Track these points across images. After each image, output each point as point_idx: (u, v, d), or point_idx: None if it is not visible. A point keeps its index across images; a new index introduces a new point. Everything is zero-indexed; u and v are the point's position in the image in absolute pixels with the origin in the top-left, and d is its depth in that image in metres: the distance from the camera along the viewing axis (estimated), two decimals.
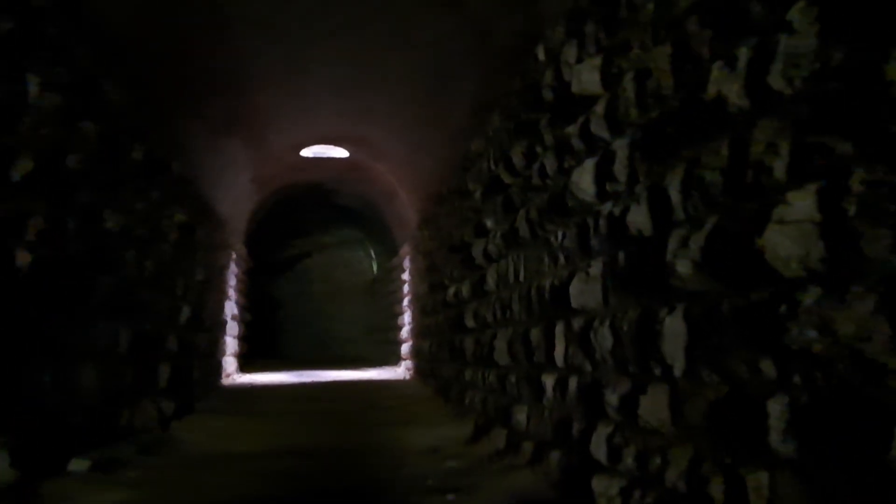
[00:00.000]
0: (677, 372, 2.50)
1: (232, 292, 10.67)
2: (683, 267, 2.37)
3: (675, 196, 2.50)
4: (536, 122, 4.13)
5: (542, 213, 3.99)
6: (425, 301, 9.03)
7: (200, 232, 8.07)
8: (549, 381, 3.83)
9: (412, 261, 10.76)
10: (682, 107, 2.49)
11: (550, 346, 3.80)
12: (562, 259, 3.72)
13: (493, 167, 5.29)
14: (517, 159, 4.49)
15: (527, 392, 4.28)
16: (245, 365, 12.28)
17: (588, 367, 3.33)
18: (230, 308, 10.44)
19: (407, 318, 11.16)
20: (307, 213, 14.93)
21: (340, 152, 10.71)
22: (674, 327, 2.49)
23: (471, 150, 6.05)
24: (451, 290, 6.89)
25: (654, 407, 2.65)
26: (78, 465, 3.62)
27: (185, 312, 7.25)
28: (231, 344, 10.60)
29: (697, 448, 2.42)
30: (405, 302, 11.40)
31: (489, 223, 5.36)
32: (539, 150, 4.11)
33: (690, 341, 2.41)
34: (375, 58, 6.91)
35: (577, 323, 3.43)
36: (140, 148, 5.50)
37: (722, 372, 2.25)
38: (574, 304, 3.41)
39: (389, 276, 14.00)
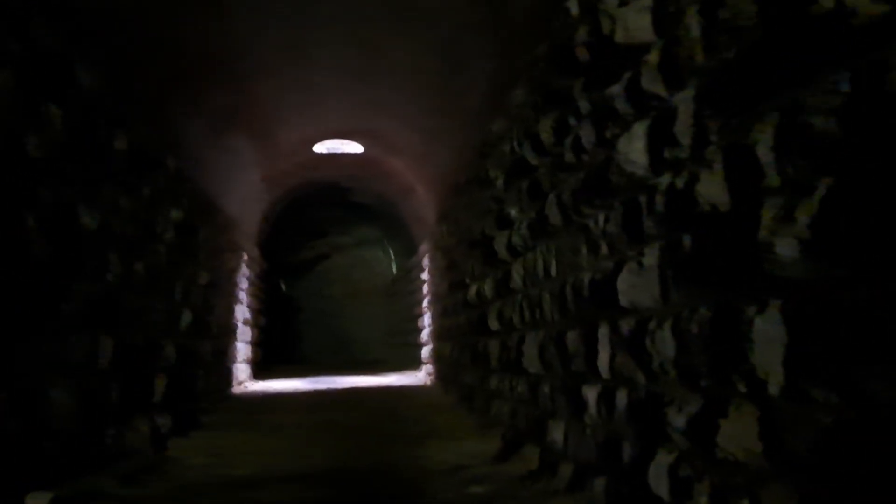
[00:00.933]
0: (773, 389, 1.88)
1: (243, 296, 10.16)
2: (786, 248, 1.74)
3: (765, 156, 1.88)
4: (569, 90, 3.52)
5: (577, 195, 3.38)
6: (445, 301, 8.44)
7: (204, 233, 7.54)
8: (590, 393, 3.22)
9: (431, 259, 10.17)
10: (772, 36, 1.87)
11: (592, 353, 3.18)
12: (604, 248, 3.11)
13: (516, 149, 4.68)
14: (546, 136, 3.88)
15: (563, 405, 3.67)
16: (260, 371, 11.77)
17: (641, 379, 2.71)
18: (241, 312, 9.92)
19: (427, 319, 10.58)
20: (323, 212, 14.42)
21: (354, 147, 10.16)
22: (768, 330, 1.87)
23: (491, 134, 5.45)
24: (473, 289, 6.28)
25: (738, 433, 2.03)
26: (35, 501, 3.07)
27: (187, 318, 6.72)
28: (243, 350, 10.08)
29: (804, 492, 1.80)
30: (425, 303, 10.82)
31: (513, 212, 4.75)
32: (572, 121, 3.49)
33: (793, 348, 1.79)
34: (383, 41, 6.33)
35: (626, 325, 2.82)
36: (124, 138, 4.95)
37: (844, 390, 1.63)
38: (622, 301, 2.80)
39: (408, 275, 13.43)
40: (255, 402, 8.18)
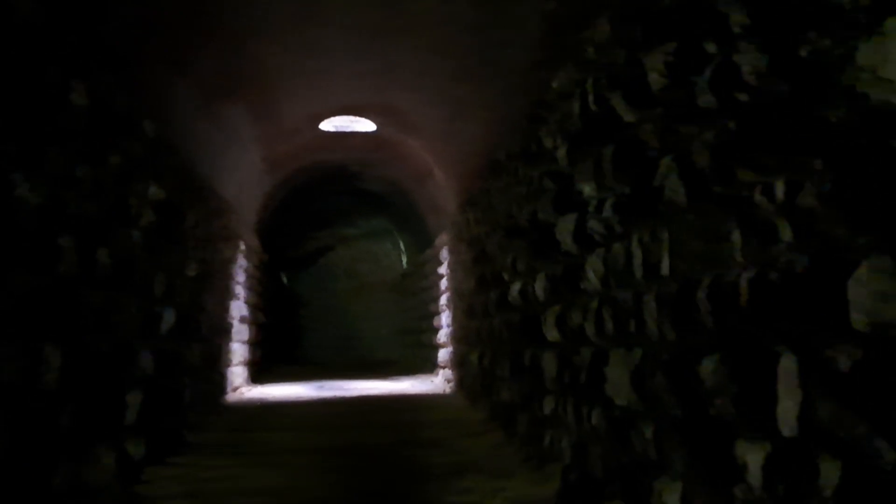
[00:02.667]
0: None
1: (241, 291, 9.06)
2: None
3: None
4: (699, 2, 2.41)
5: (725, 154, 2.26)
6: (472, 300, 7.33)
7: (192, 217, 6.44)
8: (752, 456, 2.11)
9: (451, 251, 9.06)
10: None
11: (757, 394, 2.07)
12: (787, 231, 1.99)
13: (591, 105, 3.56)
14: (656, 76, 2.75)
15: (683, 460, 2.56)
16: (259, 373, 10.68)
17: (885, 450, 1.60)
18: (238, 309, 8.82)
19: (445, 318, 9.48)
20: (328, 200, 13.30)
21: (365, 125, 9.03)
22: None
23: (549, 92, 4.33)
24: (515, 287, 5.17)
25: None
26: None
27: (169, 318, 5.61)
28: (239, 351, 8.98)
29: None
30: (442, 300, 9.71)
31: (586, 189, 3.64)
32: (711, 48, 2.38)
33: None
34: None
35: (848, 356, 1.70)
36: (83, 90, 3.84)
37: None
38: (856, 318, 1.68)
39: (421, 270, 12.32)
40: (251, 413, 7.07)
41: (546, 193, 4.40)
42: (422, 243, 12.20)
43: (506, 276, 5.55)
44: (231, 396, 8.12)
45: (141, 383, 4.88)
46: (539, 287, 4.51)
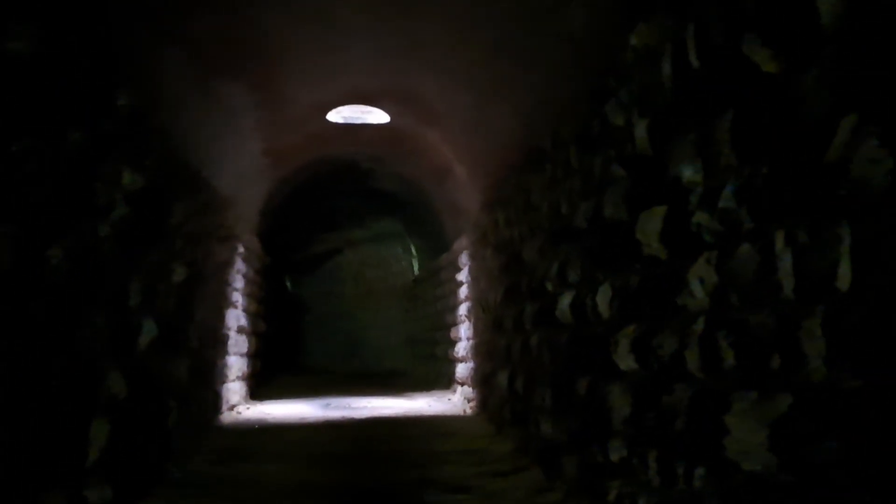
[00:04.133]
0: None
1: (239, 298, 8.18)
2: None
3: None
4: None
5: None
6: (499, 312, 6.43)
7: (181, 211, 5.56)
8: None
9: (473, 257, 8.16)
10: None
11: None
12: None
13: (693, 61, 2.67)
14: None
15: None
16: (259, 387, 9.78)
17: None
18: (235, 318, 7.94)
19: (464, 330, 8.57)
20: (336, 199, 12.41)
21: (378, 116, 8.15)
22: None
23: (621, 57, 3.43)
24: (565, 301, 4.26)
25: None
26: None
27: (149, 330, 4.73)
28: (237, 365, 8.09)
29: None
30: (461, 310, 8.81)
31: (687, 174, 2.74)
32: None
33: None
34: None
35: None
36: (25, 35, 2.96)
37: None
38: None
39: (436, 277, 11.42)
40: (247, 440, 6.16)
41: (615, 184, 3.50)
42: (436, 247, 11.30)
43: (549, 287, 4.65)
44: (226, 417, 7.23)
45: (109, 411, 3.98)
46: (603, 301, 3.60)
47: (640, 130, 3.20)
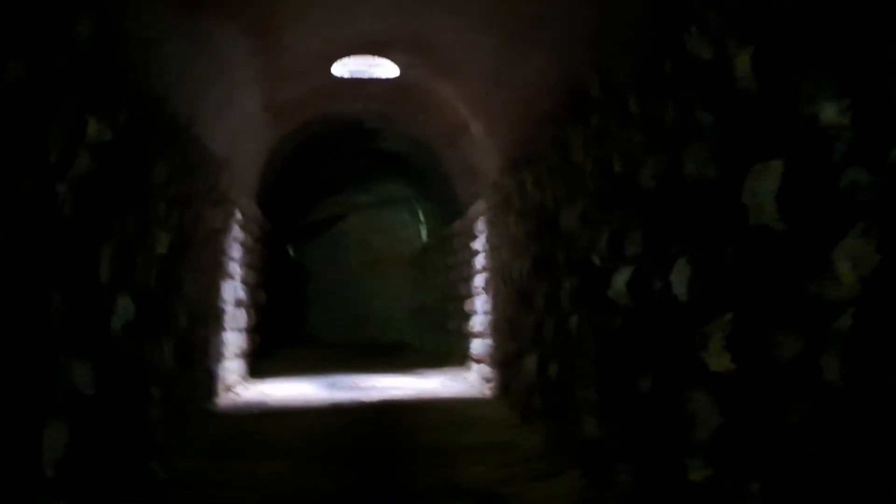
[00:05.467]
0: None
1: (235, 268, 7.48)
2: None
3: None
4: None
5: None
6: (526, 285, 5.72)
7: (164, 170, 4.82)
8: None
9: (492, 223, 7.43)
10: None
11: None
12: None
13: None
14: None
15: None
16: (259, 362, 9.13)
17: None
18: (232, 290, 7.24)
19: (481, 304, 7.88)
20: (341, 161, 11.64)
21: (387, 69, 7.38)
22: None
23: None
24: (620, 279, 3.54)
25: None
26: None
27: (125, 310, 4.03)
28: (234, 341, 7.42)
29: None
30: (478, 281, 8.10)
31: (828, 115, 1.99)
32: None
33: None
34: None
35: None
36: None
37: None
38: None
39: (447, 244, 10.70)
40: (245, 428, 5.48)
41: (700, 134, 2.75)
42: (448, 213, 10.56)
43: (597, 261, 3.92)
44: (223, 399, 6.57)
45: (71, 409, 3.30)
46: (679, 281, 2.88)
47: (743, 63, 2.44)
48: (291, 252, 15.07)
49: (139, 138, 4.33)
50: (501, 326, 6.77)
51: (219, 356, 6.64)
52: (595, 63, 4.06)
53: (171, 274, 5.07)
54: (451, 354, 9.48)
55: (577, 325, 4.27)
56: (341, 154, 11.39)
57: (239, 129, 7.22)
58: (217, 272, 6.59)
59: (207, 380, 6.20)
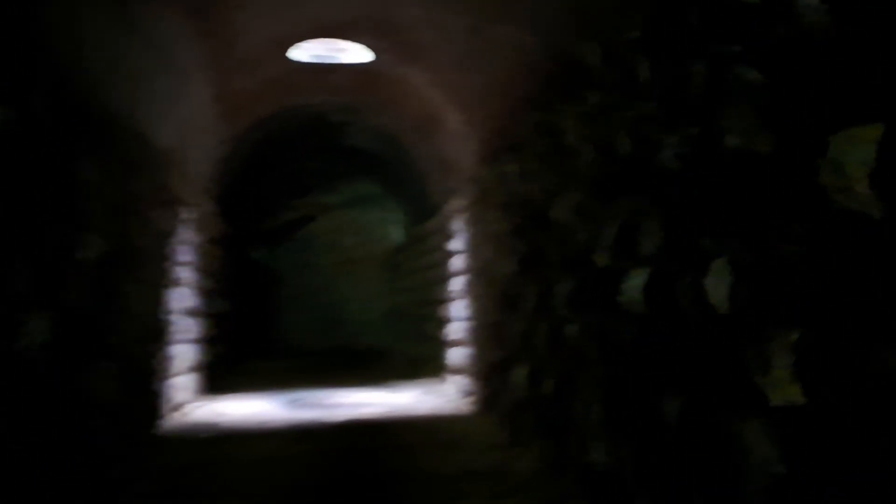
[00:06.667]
0: None
1: (188, 274, 6.78)
2: None
3: None
4: None
5: None
6: (513, 288, 5.12)
7: (94, 167, 4.14)
8: None
9: (472, 221, 6.82)
10: None
11: None
12: None
13: None
14: None
15: None
16: (219, 376, 8.42)
17: None
18: (182, 299, 6.55)
19: (460, 309, 7.27)
20: (305, 160, 10.95)
21: (355, 54, 6.75)
22: None
23: None
24: (634, 283, 2.94)
25: None
26: None
27: (38, 331, 3.36)
28: (186, 355, 6.73)
29: None
30: (456, 284, 7.49)
31: None
32: None
33: None
34: None
35: None
36: None
37: None
38: None
39: (422, 244, 10.08)
40: (191, 457, 4.79)
41: (744, 97, 2.17)
42: (422, 211, 9.94)
43: (600, 260, 3.33)
44: (170, 421, 5.88)
45: None
46: (717, 287, 2.29)
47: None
48: (258, 256, 14.33)
49: (61, 131, 3.66)
50: (484, 334, 6.16)
51: (165, 373, 5.95)
52: (589, 30, 3.47)
53: (107, 285, 4.38)
54: (428, 363, 8.85)
55: (577, 334, 3.68)
56: (306, 151, 10.71)
57: (189, 122, 6.54)
58: (163, 280, 5.91)
59: (151, 402, 5.51)
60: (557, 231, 4.03)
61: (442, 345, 8.16)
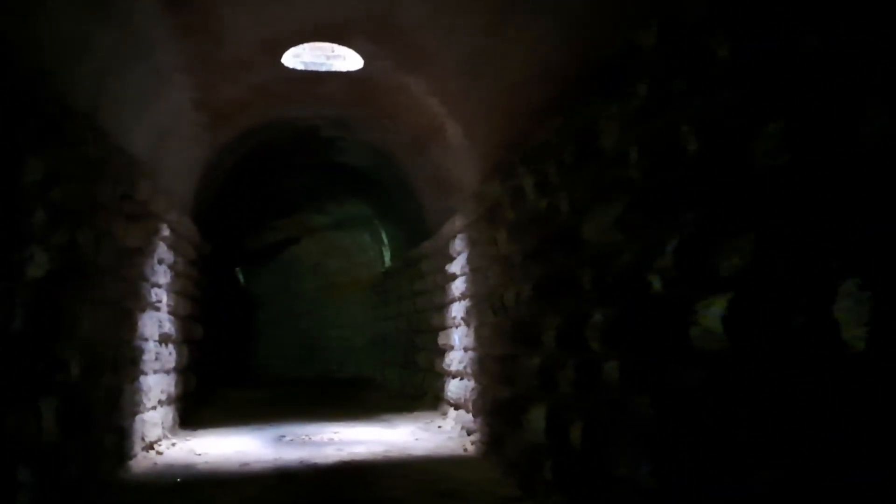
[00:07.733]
0: None
1: (162, 296, 6.12)
2: None
3: None
4: None
5: None
6: (527, 316, 4.51)
7: (40, 166, 3.51)
8: None
9: (474, 242, 6.22)
10: None
11: None
12: None
13: None
14: None
15: None
16: (195, 408, 7.73)
17: None
18: (156, 324, 5.89)
19: (460, 337, 6.65)
20: (293, 176, 10.34)
21: (348, 60, 6.19)
22: None
23: None
24: (713, 313, 2.34)
25: None
26: None
27: None
28: (160, 386, 6.04)
29: None
30: (455, 311, 6.88)
31: None
32: None
33: None
34: None
35: None
36: None
37: None
38: None
39: (414, 268, 9.46)
40: None
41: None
42: (415, 233, 9.34)
43: (657, 284, 2.74)
44: (139, 463, 5.19)
45: None
46: (853, 319, 1.70)
47: None
48: (238, 278, 13.67)
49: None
50: (489, 366, 5.54)
51: (135, 408, 5.27)
52: (632, 19, 2.91)
53: (54, 307, 3.73)
54: (423, 395, 8.19)
55: (618, 375, 3.07)
56: (294, 167, 10.10)
57: (166, 128, 5.93)
58: (133, 302, 5.25)
59: (116, 441, 4.83)
60: (590, 251, 3.44)
61: (439, 375, 7.51)
